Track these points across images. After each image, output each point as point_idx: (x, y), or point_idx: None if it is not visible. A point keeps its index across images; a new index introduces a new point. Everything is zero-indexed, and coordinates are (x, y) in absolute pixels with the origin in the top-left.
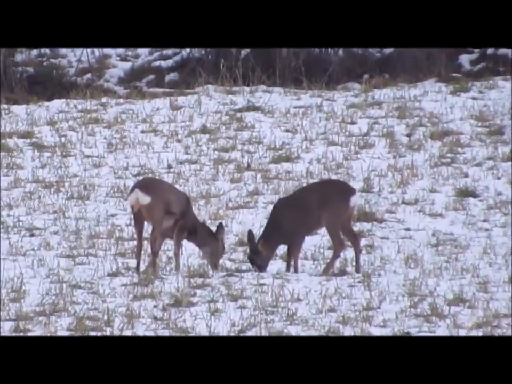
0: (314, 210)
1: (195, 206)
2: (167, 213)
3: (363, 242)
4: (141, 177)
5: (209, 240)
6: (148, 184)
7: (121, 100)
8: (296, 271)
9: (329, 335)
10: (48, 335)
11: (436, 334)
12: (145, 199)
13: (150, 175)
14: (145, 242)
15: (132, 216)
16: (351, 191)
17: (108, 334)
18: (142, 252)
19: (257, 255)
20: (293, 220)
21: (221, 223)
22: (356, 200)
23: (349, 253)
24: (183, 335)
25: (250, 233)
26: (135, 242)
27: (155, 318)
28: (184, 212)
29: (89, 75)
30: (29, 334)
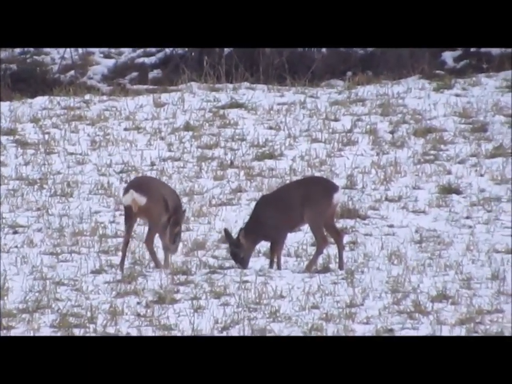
0: (297, 207)
1: None
2: (166, 210)
3: (346, 239)
4: (133, 177)
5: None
6: (142, 184)
7: (104, 97)
8: (279, 268)
9: (313, 332)
10: (32, 333)
11: (419, 332)
12: (141, 199)
13: (138, 174)
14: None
15: (125, 213)
16: (334, 188)
17: (91, 330)
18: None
19: (239, 247)
20: (276, 217)
21: (184, 210)
22: (339, 197)
23: (332, 249)
24: (166, 333)
25: (226, 230)
26: (122, 238)
27: (138, 315)
28: (176, 207)
29: (72, 72)
30: (12, 331)
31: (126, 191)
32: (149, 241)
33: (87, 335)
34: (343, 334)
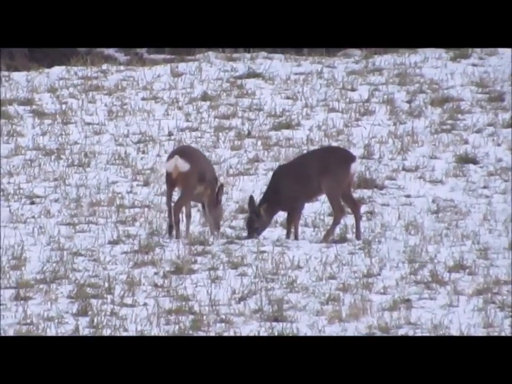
0: (314, 177)
1: None
2: (200, 181)
3: (363, 209)
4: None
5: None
6: (187, 152)
7: (121, 67)
8: (296, 238)
9: (330, 302)
10: (49, 304)
11: (436, 302)
12: (184, 166)
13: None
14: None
15: (166, 180)
16: (351, 158)
17: (109, 301)
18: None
19: (258, 218)
20: (293, 187)
21: (221, 184)
22: (356, 167)
23: (349, 219)
24: (183, 303)
25: (251, 198)
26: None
27: (156, 285)
28: (214, 178)
29: None
30: (30, 302)
31: (171, 156)
32: (177, 207)
33: (104, 307)
34: (360, 305)
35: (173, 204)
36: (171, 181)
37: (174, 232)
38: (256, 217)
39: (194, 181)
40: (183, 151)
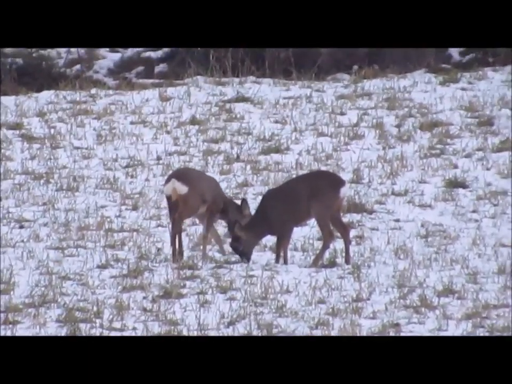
0: (303, 200)
1: None
2: (203, 202)
3: (353, 233)
4: (178, 167)
5: (238, 216)
6: (184, 174)
7: (110, 91)
8: (285, 262)
9: (319, 327)
10: (37, 328)
11: (425, 326)
12: (182, 188)
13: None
14: (134, 233)
15: (168, 204)
16: (341, 182)
17: (98, 325)
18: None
19: (237, 240)
20: (282, 210)
21: (244, 199)
22: (346, 191)
23: (339, 244)
24: (172, 328)
25: (233, 223)
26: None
27: (144, 310)
28: (215, 197)
29: (78, 66)
30: (18, 326)
31: (168, 180)
32: (175, 224)
33: (93, 331)
34: (350, 329)
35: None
36: (171, 204)
37: (176, 254)
38: (235, 241)
39: (196, 202)
40: (179, 174)
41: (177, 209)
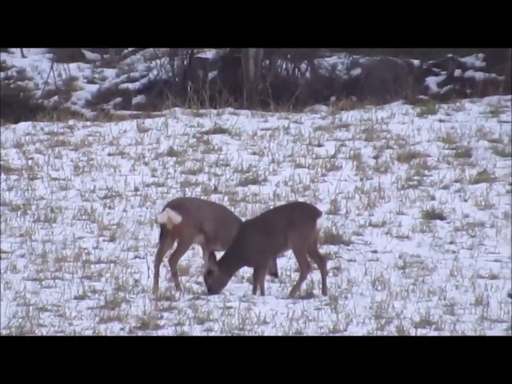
0: (280, 231)
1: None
2: (200, 232)
3: (330, 264)
4: (178, 197)
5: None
6: (179, 204)
7: (88, 123)
8: (262, 293)
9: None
10: None
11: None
12: (177, 218)
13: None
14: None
15: (159, 234)
16: (317, 213)
17: None
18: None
19: (209, 274)
20: (259, 241)
21: None
22: (322, 223)
23: (316, 275)
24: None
25: (211, 254)
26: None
27: None
28: (218, 227)
29: (56, 97)
30: None
31: (163, 209)
32: (173, 260)
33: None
34: None
35: (165, 258)
36: (166, 233)
37: (156, 285)
38: (208, 275)
39: (190, 232)
40: (174, 203)
41: (172, 238)
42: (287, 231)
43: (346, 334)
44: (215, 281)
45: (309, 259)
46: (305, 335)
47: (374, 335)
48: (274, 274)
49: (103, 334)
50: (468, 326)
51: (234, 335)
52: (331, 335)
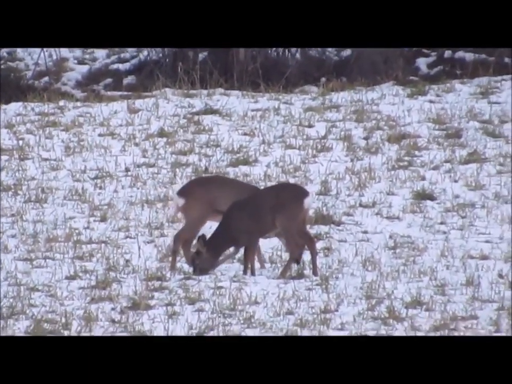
0: (268, 213)
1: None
2: (213, 211)
3: (321, 245)
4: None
5: None
6: (186, 187)
7: (78, 103)
8: (253, 273)
9: (288, 336)
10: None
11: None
12: (179, 201)
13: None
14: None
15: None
16: (305, 193)
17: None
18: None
19: (198, 254)
20: (247, 222)
21: None
22: (310, 202)
23: (307, 255)
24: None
25: (200, 236)
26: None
27: (113, 321)
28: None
29: (46, 78)
30: None
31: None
32: (177, 237)
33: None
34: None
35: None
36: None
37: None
38: (196, 255)
39: (195, 213)
40: (183, 187)
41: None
42: (275, 211)
43: (337, 314)
44: (202, 262)
45: (298, 239)
46: (296, 315)
47: (365, 316)
48: (297, 261)
49: (94, 314)
50: (458, 306)
51: (226, 315)
52: (323, 315)
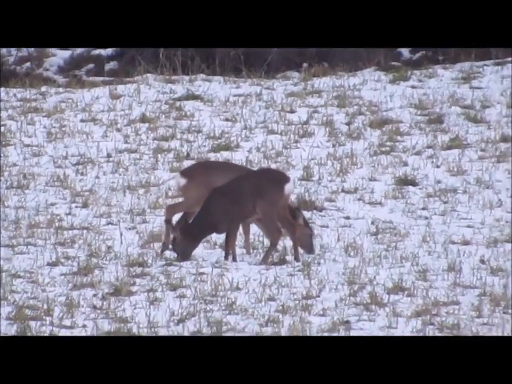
0: (248, 198)
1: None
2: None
3: None
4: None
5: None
6: (190, 168)
7: (60, 89)
8: (234, 259)
9: (269, 324)
10: None
11: (375, 324)
12: (180, 181)
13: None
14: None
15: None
16: (285, 179)
17: (48, 323)
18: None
19: (174, 241)
20: (228, 208)
21: (297, 207)
22: (291, 188)
23: (289, 241)
24: (122, 325)
25: (178, 222)
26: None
27: (94, 307)
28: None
29: (28, 64)
30: None
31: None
32: (170, 207)
33: (43, 329)
34: (300, 326)
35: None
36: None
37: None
38: (174, 241)
39: (194, 195)
40: (187, 167)
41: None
42: (255, 197)
43: (319, 299)
44: (179, 248)
45: (279, 225)
46: (278, 301)
47: (347, 301)
48: (309, 251)
49: (76, 301)
50: (440, 292)
51: (207, 301)
52: (304, 301)
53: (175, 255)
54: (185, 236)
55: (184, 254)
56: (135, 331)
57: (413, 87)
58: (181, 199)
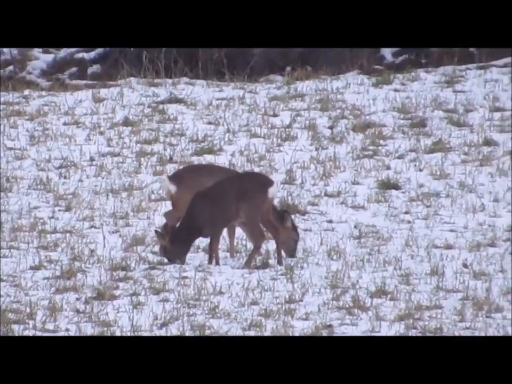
0: (232, 202)
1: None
2: None
3: None
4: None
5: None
6: (178, 173)
7: (43, 92)
8: (217, 263)
9: (252, 328)
10: None
11: (358, 328)
12: (171, 188)
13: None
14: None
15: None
16: (269, 183)
17: (31, 326)
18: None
19: (161, 248)
20: (211, 212)
21: (286, 211)
22: (274, 191)
23: (272, 245)
24: (105, 329)
25: (164, 226)
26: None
27: (77, 311)
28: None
29: (11, 67)
30: None
31: (164, 180)
32: (170, 215)
33: (26, 333)
34: (282, 330)
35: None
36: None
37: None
38: (163, 248)
39: (186, 200)
40: (174, 173)
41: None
42: (239, 201)
43: (302, 303)
44: (172, 255)
45: (263, 229)
46: (261, 305)
47: (330, 305)
48: (291, 255)
49: (59, 304)
50: (423, 296)
51: (190, 305)
52: (287, 305)
53: (159, 258)
54: (174, 243)
55: (179, 259)
56: (118, 335)
57: (395, 90)
58: (170, 203)
